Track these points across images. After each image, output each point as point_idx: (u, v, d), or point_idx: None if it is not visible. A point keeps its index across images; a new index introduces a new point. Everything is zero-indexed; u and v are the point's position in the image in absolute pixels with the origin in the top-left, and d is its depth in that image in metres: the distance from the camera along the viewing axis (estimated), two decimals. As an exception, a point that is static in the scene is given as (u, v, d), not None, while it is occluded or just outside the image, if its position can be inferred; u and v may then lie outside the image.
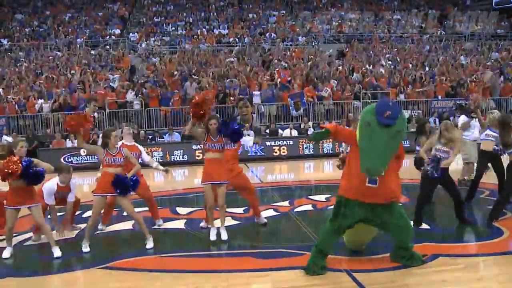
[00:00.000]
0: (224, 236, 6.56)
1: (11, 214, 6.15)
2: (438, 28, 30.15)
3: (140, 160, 7.51)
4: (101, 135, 6.70)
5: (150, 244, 6.42)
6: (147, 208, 7.87)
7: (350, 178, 5.10)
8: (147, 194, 7.67)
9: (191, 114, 6.55)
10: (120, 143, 7.16)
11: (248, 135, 13.45)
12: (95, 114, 17.77)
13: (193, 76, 20.24)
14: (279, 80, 20.22)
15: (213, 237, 6.61)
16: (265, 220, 7.49)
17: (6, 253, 6.21)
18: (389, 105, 4.79)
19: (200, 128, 6.70)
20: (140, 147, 8.03)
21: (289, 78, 20.42)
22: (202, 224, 7.39)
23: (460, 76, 21.67)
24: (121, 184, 6.30)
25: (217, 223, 6.72)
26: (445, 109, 19.63)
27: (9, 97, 18.52)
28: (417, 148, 8.32)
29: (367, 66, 22.55)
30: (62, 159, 15.77)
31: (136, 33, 27.53)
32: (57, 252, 6.17)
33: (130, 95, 19.16)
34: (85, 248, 6.37)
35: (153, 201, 7.77)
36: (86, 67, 22.07)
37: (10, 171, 5.76)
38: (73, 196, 7.38)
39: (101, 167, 7.00)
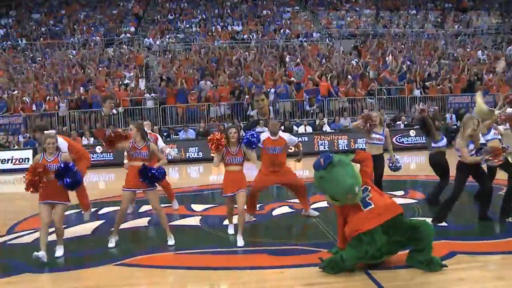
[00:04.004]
0: (240, 243, 6.32)
1: (44, 209, 6.02)
2: (454, 22, 29.72)
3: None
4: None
5: (171, 241, 6.40)
6: (165, 205, 8.00)
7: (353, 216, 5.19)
8: (163, 182, 7.93)
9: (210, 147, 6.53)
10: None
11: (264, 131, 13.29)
12: (114, 111, 17.85)
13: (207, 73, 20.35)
14: (293, 78, 20.16)
15: (231, 231, 6.65)
16: (317, 213, 7.59)
17: (60, 252, 6.10)
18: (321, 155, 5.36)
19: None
20: (157, 134, 8.46)
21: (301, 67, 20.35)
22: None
23: (478, 71, 21.32)
24: (148, 175, 6.25)
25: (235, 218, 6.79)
26: (462, 104, 19.36)
27: (24, 97, 18.75)
28: (433, 145, 8.17)
29: (381, 62, 22.37)
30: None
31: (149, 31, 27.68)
32: (59, 252, 6.12)
33: (141, 84, 19.46)
34: (111, 243, 6.41)
35: (169, 187, 8.42)
36: (101, 65, 22.24)
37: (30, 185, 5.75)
38: None
39: (125, 161, 7.10)
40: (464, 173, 6.75)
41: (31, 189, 5.79)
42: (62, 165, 5.84)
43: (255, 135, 6.55)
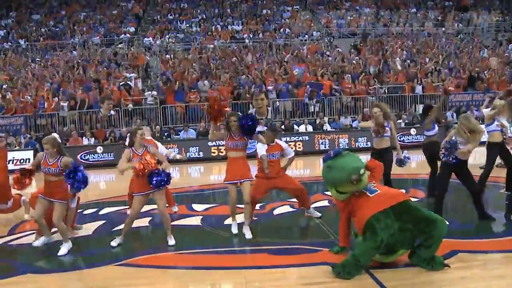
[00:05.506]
0: (248, 235, 6.46)
1: (40, 203, 6.30)
2: (455, 20, 29.66)
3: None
4: (128, 134, 6.71)
5: (172, 241, 6.40)
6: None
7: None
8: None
9: (208, 115, 6.54)
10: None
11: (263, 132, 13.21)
12: (112, 112, 17.88)
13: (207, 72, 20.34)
14: (294, 77, 20.14)
15: (234, 230, 6.60)
16: (319, 214, 7.50)
17: (63, 250, 6.19)
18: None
19: (221, 130, 6.66)
20: (157, 142, 8.27)
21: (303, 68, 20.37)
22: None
23: (478, 69, 21.27)
24: (158, 177, 6.21)
25: (239, 217, 6.75)
26: (463, 102, 19.33)
27: (27, 96, 18.76)
28: (425, 133, 8.24)
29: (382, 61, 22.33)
30: (78, 157, 15.92)
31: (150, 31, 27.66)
32: (63, 250, 6.17)
33: (139, 84, 19.52)
34: (114, 243, 6.41)
35: (168, 191, 8.05)
36: (102, 65, 22.23)
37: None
38: None
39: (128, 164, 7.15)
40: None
41: (16, 187, 6.49)
42: (72, 168, 6.09)
43: (249, 122, 6.43)
